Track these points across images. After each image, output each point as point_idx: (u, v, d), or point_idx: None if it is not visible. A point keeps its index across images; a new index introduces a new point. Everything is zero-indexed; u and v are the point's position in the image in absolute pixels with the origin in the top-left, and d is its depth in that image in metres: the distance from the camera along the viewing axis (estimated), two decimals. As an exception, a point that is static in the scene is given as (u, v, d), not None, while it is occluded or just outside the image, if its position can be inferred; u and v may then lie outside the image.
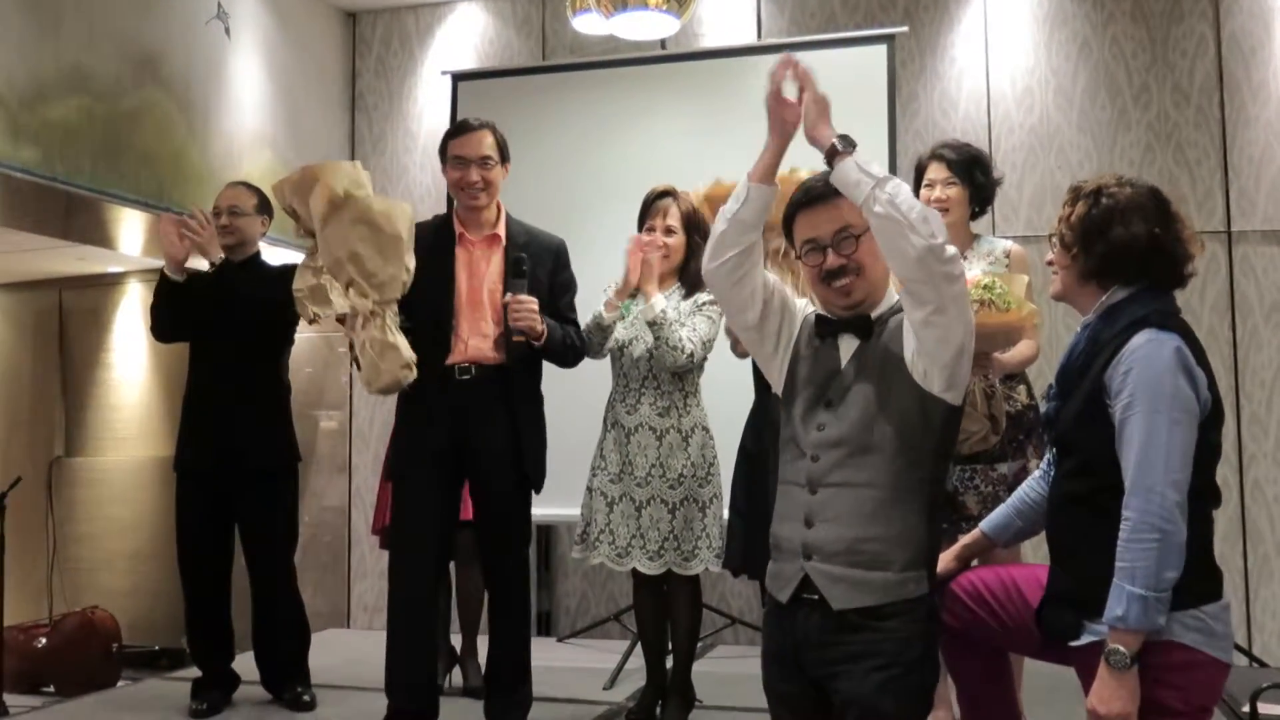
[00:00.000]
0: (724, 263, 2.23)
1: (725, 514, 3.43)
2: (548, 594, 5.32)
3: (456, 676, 4.02)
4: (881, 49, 4.65)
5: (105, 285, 5.81)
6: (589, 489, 3.46)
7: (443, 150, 3.29)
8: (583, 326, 3.39)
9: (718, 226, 2.24)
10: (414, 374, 3.00)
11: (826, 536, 2.13)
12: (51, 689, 4.84)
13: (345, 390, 5.65)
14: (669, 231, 3.42)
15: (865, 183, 2.05)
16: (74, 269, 5.57)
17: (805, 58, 2.21)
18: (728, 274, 2.24)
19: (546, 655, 4.43)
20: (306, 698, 3.74)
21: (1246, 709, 2.94)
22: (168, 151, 4.67)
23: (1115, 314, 2.11)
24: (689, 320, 3.35)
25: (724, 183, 3.13)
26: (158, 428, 5.60)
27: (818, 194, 2.21)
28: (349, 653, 4.56)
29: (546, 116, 4.97)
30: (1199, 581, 2.02)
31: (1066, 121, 4.96)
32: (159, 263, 3.79)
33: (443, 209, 4.36)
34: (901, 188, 2.05)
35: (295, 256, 3.94)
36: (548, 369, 3.36)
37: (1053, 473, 2.26)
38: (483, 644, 3.45)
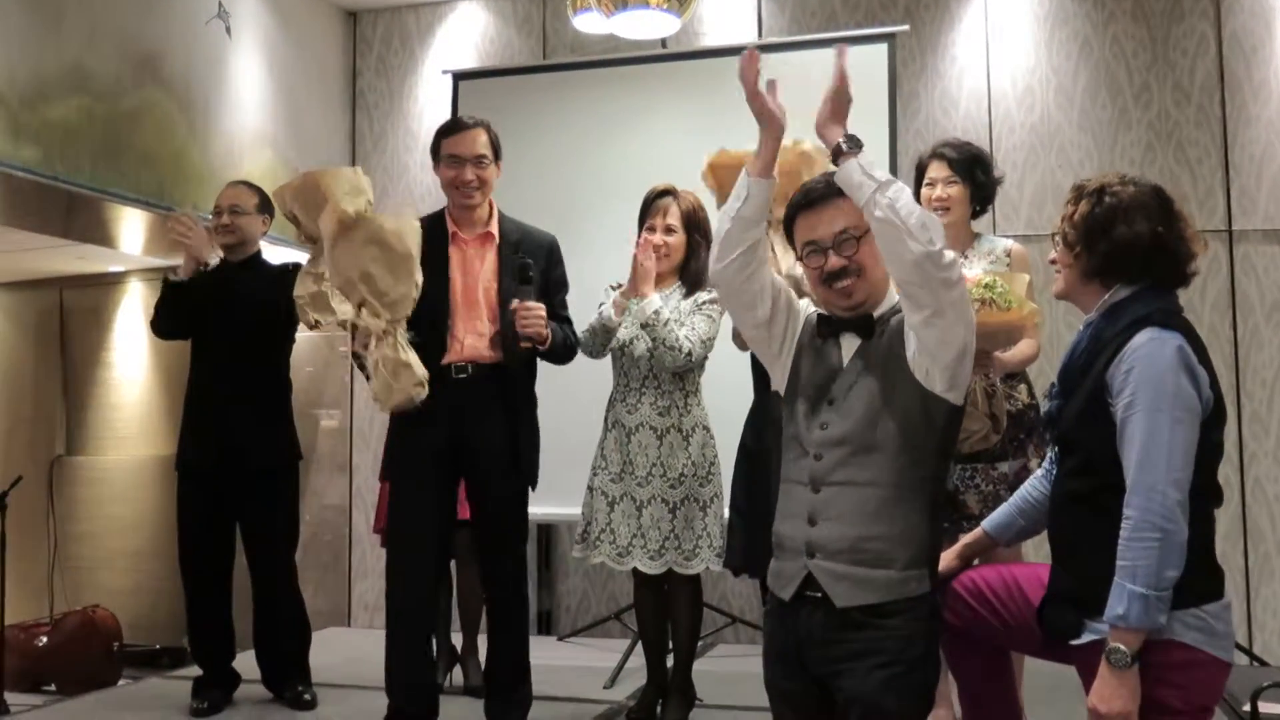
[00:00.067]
0: (731, 261, 2.23)
1: (726, 513, 3.43)
2: (548, 593, 5.32)
3: (457, 675, 4.03)
4: (882, 48, 4.65)
5: (106, 284, 5.81)
6: (590, 488, 3.46)
7: (435, 148, 3.28)
8: (584, 326, 3.39)
9: (722, 226, 2.25)
10: (426, 391, 3.00)
11: (830, 535, 2.13)
12: (52, 688, 4.84)
13: (346, 389, 5.65)
14: (669, 230, 3.42)
15: (867, 185, 2.06)
16: (75, 268, 5.57)
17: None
18: (736, 272, 2.24)
19: (547, 654, 4.44)
20: (307, 696, 3.74)
21: (1247, 708, 2.94)
22: (168, 151, 4.67)
23: (1118, 312, 2.11)
24: (688, 319, 3.35)
25: (729, 150, 3.12)
26: (158, 427, 5.61)
27: (818, 196, 2.22)
28: (350, 651, 4.56)
29: (547, 115, 4.97)
30: (1200, 580, 2.02)
31: (1067, 120, 4.95)
32: (160, 262, 3.81)
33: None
34: (903, 193, 2.06)
35: (296, 255, 3.94)
36: (547, 369, 3.36)
37: (1054, 471, 2.26)
38: (483, 643, 3.45)
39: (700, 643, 3.71)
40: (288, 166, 5.38)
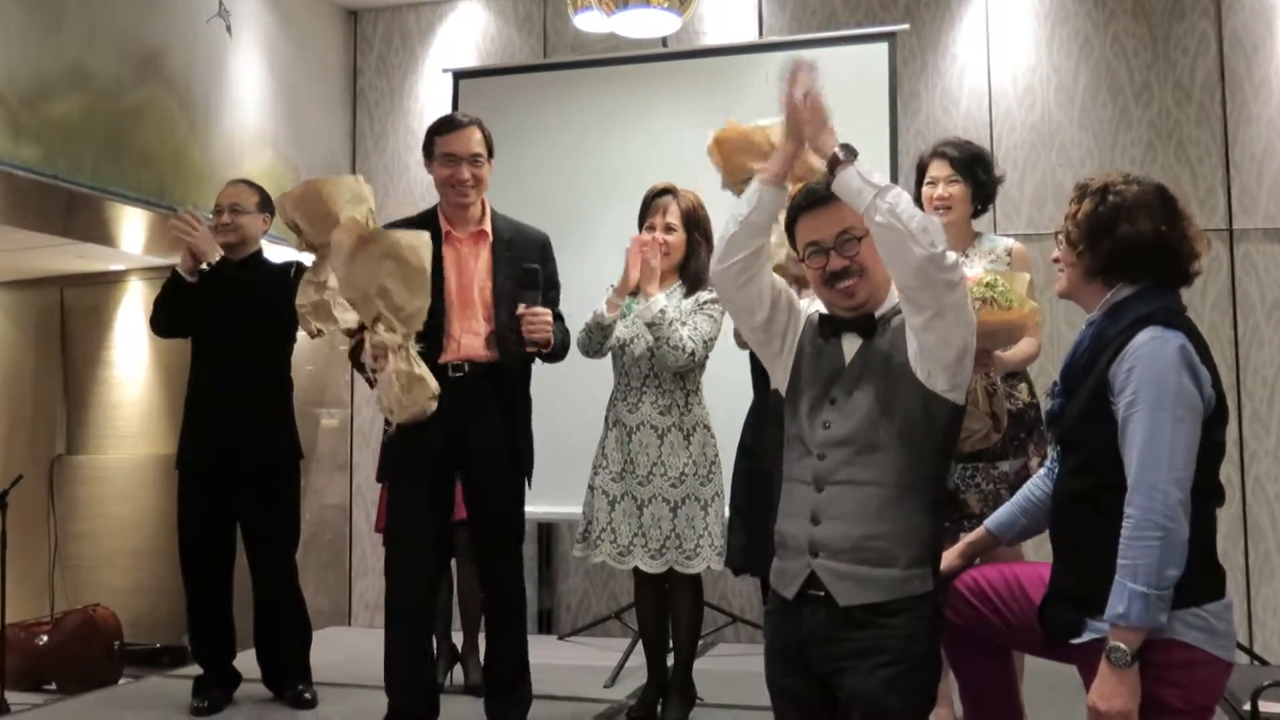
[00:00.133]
0: (732, 265, 2.24)
1: (727, 512, 3.43)
2: (549, 592, 5.32)
3: (458, 674, 4.03)
4: (883, 47, 4.65)
5: (107, 283, 5.80)
6: (591, 487, 3.46)
7: (428, 146, 3.25)
8: (582, 325, 3.39)
9: (728, 228, 2.25)
10: (436, 404, 3.00)
11: (833, 534, 2.14)
12: (53, 686, 4.84)
13: (346, 388, 5.65)
14: (669, 229, 3.42)
15: (867, 192, 2.07)
16: (75, 267, 5.56)
17: (806, 55, 2.22)
18: (736, 276, 2.25)
19: (548, 653, 4.44)
20: (308, 695, 3.74)
21: (1248, 707, 2.94)
22: (169, 149, 4.67)
23: (1120, 311, 2.11)
24: (690, 319, 3.35)
25: (737, 124, 3.12)
26: (159, 425, 5.60)
27: (819, 197, 2.23)
28: (350, 650, 4.56)
29: (547, 114, 4.97)
30: (1201, 580, 2.02)
31: (1068, 119, 4.95)
32: (161, 261, 3.80)
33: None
34: (902, 197, 2.07)
35: (296, 255, 3.94)
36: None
37: (1056, 470, 2.26)
38: (484, 642, 3.45)
39: (701, 642, 3.71)
40: (288, 165, 5.38)
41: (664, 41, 5.04)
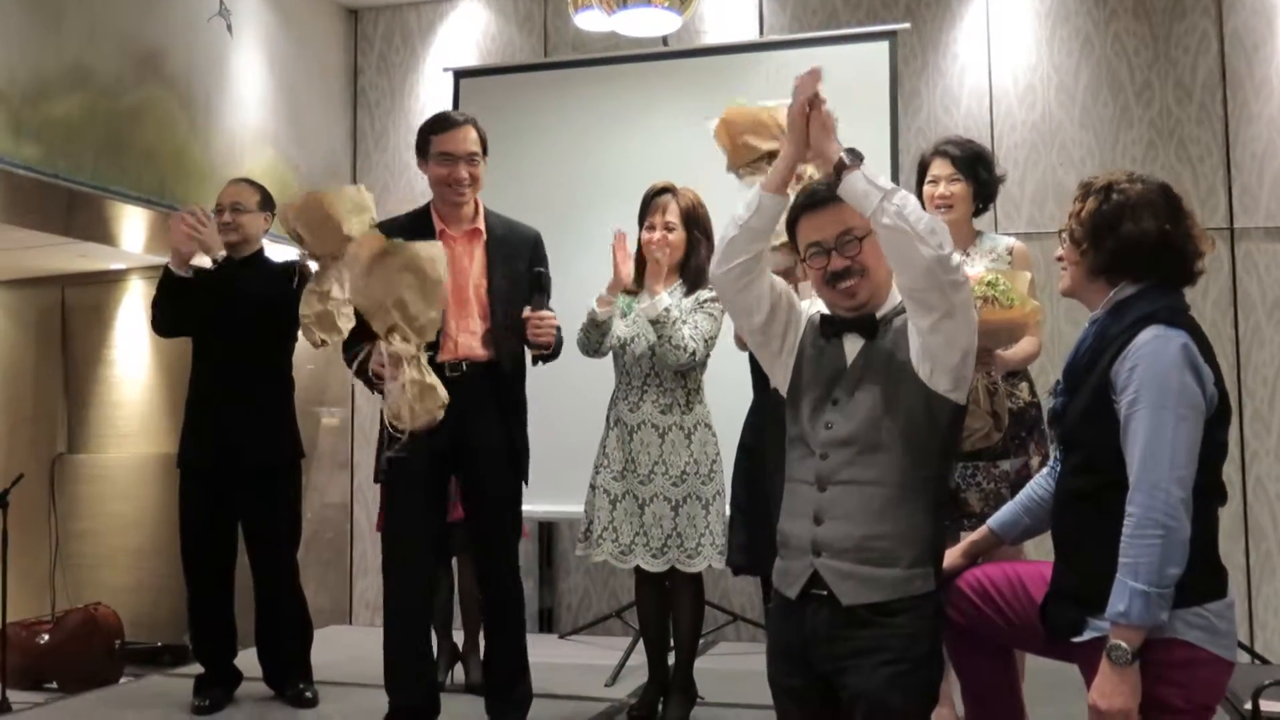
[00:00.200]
0: (732, 268, 2.25)
1: (728, 511, 3.43)
2: (550, 591, 5.33)
3: (459, 673, 4.03)
4: (884, 45, 4.65)
5: (107, 282, 5.80)
6: (592, 486, 3.46)
7: (423, 145, 3.23)
8: (580, 325, 3.39)
9: (728, 232, 2.25)
10: (443, 413, 3.00)
11: (835, 533, 2.14)
12: (54, 685, 4.84)
13: (347, 387, 5.65)
14: (668, 228, 3.41)
15: (873, 194, 2.07)
16: (76, 266, 5.56)
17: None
18: (735, 279, 2.26)
19: (548, 652, 4.44)
20: (309, 694, 3.75)
21: (1249, 706, 2.94)
22: (169, 148, 4.67)
23: (1123, 310, 2.11)
24: (690, 318, 3.35)
25: (744, 105, 3.12)
26: (160, 424, 5.60)
27: (821, 198, 2.23)
28: (351, 649, 4.56)
29: (548, 113, 4.97)
30: (1203, 579, 2.02)
31: (1069, 118, 4.95)
32: (161, 260, 3.79)
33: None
34: (909, 199, 2.07)
35: (297, 254, 3.94)
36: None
37: (1058, 469, 2.26)
38: (484, 641, 3.45)
39: (702, 640, 3.71)
40: (289, 164, 5.38)
41: (664, 40, 5.04)
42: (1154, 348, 2.01)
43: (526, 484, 3.31)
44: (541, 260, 3.32)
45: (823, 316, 2.29)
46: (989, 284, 2.64)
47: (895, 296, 2.23)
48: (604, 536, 3.39)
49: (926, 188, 3.21)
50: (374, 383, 3.04)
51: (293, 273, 3.66)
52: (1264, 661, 4.27)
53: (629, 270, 3.35)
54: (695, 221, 3.44)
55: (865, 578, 2.11)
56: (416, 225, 3.19)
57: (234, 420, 3.64)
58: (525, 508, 3.37)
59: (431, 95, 5.63)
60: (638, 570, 3.40)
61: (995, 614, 2.25)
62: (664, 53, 5.03)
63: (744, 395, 3.45)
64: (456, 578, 4.01)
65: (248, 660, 3.84)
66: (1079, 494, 2.14)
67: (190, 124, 4.78)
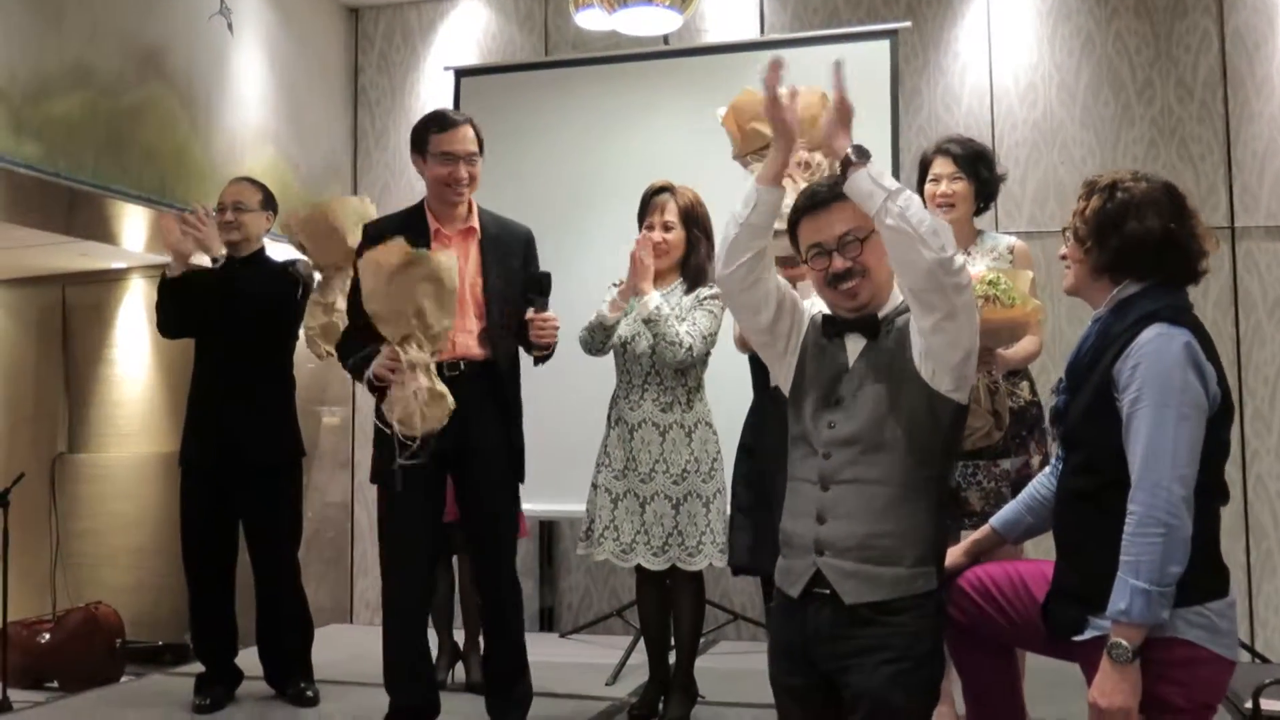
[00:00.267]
0: (738, 268, 2.25)
1: (728, 509, 3.43)
2: (550, 590, 5.33)
3: (460, 672, 4.03)
4: (884, 44, 4.65)
5: (108, 281, 5.80)
6: (594, 485, 3.46)
7: (421, 143, 3.19)
8: (585, 324, 3.39)
9: (729, 231, 2.25)
10: (448, 419, 3.01)
11: (839, 532, 2.15)
12: (55, 684, 4.84)
13: (348, 386, 5.64)
14: (667, 227, 3.42)
15: (878, 194, 2.08)
16: (77, 265, 5.56)
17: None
18: (741, 279, 2.26)
19: (549, 651, 4.44)
20: (310, 693, 3.75)
21: (1249, 705, 2.94)
22: (170, 147, 4.67)
23: (1126, 308, 2.11)
24: (689, 315, 3.35)
25: (755, 92, 3.11)
26: (161, 423, 5.60)
27: (822, 199, 2.23)
28: (352, 648, 4.56)
29: (549, 112, 4.97)
30: (1204, 578, 2.02)
31: (1070, 117, 4.95)
32: (162, 259, 3.80)
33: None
34: (913, 200, 2.08)
35: (298, 253, 3.94)
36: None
37: (1060, 467, 2.26)
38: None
39: (702, 639, 3.71)
40: (290, 163, 5.38)
41: (665, 39, 5.04)
42: (1157, 346, 2.01)
43: (522, 483, 3.32)
44: (534, 258, 3.32)
45: (825, 317, 2.29)
46: (990, 283, 2.64)
47: (897, 296, 2.24)
48: (605, 535, 3.39)
49: (928, 186, 3.21)
50: (374, 385, 3.04)
51: (293, 268, 3.67)
52: (1264, 660, 4.27)
53: (649, 283, 3.31)
54: (694, 220, 3.44)
55: (868, 576, 2.12)
56: (410, 224, 3.18)
57: (235, 419, 3.64)
58: (525, 506, 3.36)
59: (432, 94, 5.63)
60: (639, 569, 3.40)
61: (997, 613, 2.25)
62: (665, 52, 5.03)
63: (744, 394, 3.45)
64: (457, 577, 4.01)
65: (249, 659, 3.84)
66: (1080, 492, 2.14)
67: (191, 123, 4.78)
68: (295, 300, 3.77)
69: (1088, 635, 2.06)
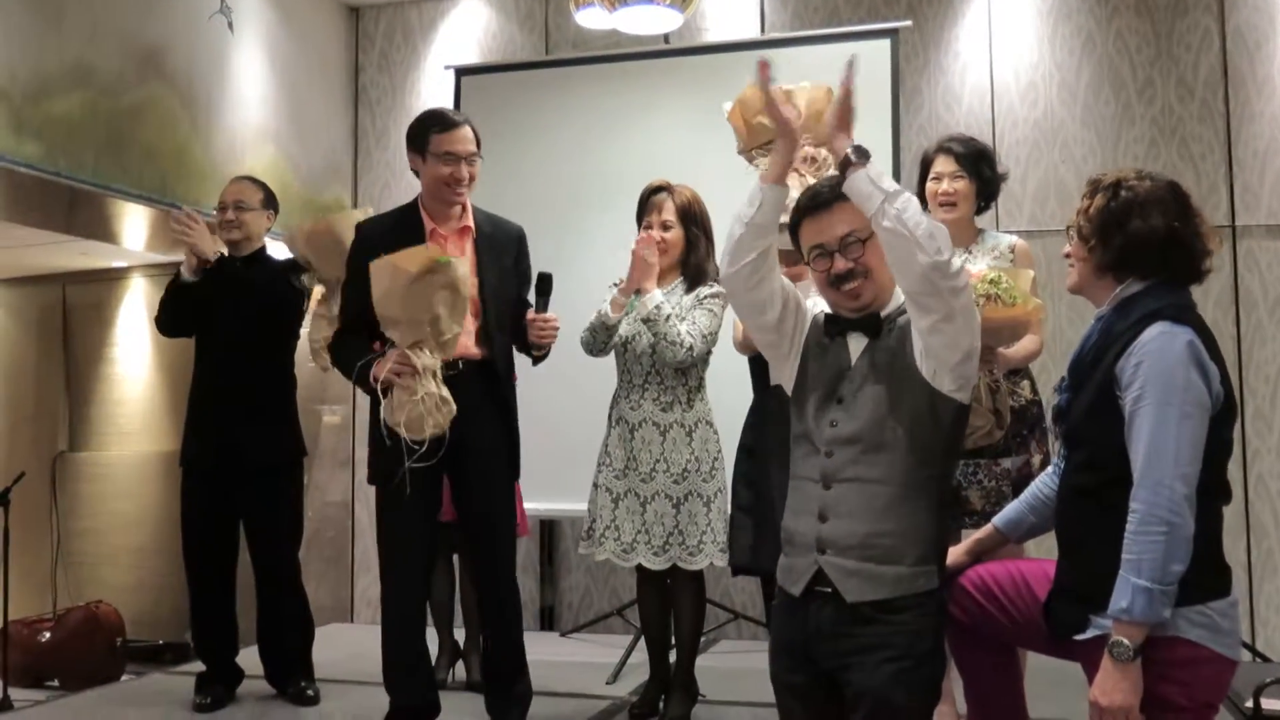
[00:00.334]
0: (743, 268, 2.25)
1: (729, 508, 3.43)
2: (551, 589, 5.32)
3: (460, 670, 4.03)
4: (885, 43, 4.64)
5: (109, 280, 5.80)
6: (595, 485, 3.46)
7: (422, 143, 3.17)
8: (585, 324, 3.39)
9: (734, 231, 2.25)
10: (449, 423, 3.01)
11: (840, 531, 2.15)
12: (55, 683, 4.84)
13: (349, 385, 5.61)
14: (665, 226, 3.42)
15: (876, 196, 2.08)
16: (77, 264, 5.57)
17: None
18: (746, 278, 2.26)
19: (549, 650, 4.44)
20: (310, 692, 3.74)
21: (1250, 704, 2.94)
22: (171, 146, 4.67)
23: (1129, 307, 2.11)
24: (689, 314, 3.35)
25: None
26: (162, 422, 5.61)
27: (823, 200, 2.24)
28: (352, 647, 4.56)
29: (549, 111, 4.97)
30: (1207, 577, 2.02)
31: (1070, 116, 4.95)
32: (162, 258, 3.80)
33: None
34: (911, 202, 2.08)
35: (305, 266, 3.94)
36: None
37: (1062, 466, 2.26)
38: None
39: (703, 638, 3.70)
40: (290, 162, 5.38)
41: (666, 38, 5.04)
42: (1159, 344, 2.01)
43: (518, 479, 3.32)
44: (525, 256, 3.32)
45: (827, 316, 2.29)
46: (991, 282, 2.65)
47: (899, 295, 2.23)
48: (606, 535, 3.39)
49: (930, 184, 3.21)
50: (374, 386, 3.04)
51: (294, 271, 3.67)
52: (1265, 659, 4.27)
53: (652, 281, 3.31)
54: (692, 218, 3.44)
55: (869, 575, 2.12)
56: (404, 222, 3.18)
57: (236, 418, 3.64)
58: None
59: (433, 93, 5.63)
60: (639, 568, 3.39)
61: (998, 611, 2.25)
62: (665, 50, 5.03)
63: (745, 392, 3.45)
64: (458, 575, 4.01)
65: (249, 658, 3.84)
66: (1082, 491, 2.13)
67: (191, 122, 4.78)
68: (296, 300, 3.77)
69: (1089, 634, 2.06)
